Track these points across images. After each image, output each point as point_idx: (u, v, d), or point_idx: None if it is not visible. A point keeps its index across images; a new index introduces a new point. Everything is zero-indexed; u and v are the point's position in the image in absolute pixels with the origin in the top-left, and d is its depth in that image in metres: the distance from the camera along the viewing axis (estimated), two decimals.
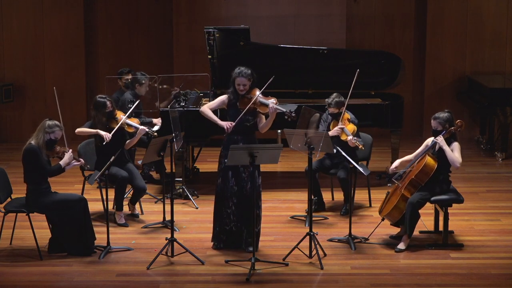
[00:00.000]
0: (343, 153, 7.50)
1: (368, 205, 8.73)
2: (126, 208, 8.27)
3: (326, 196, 8.75)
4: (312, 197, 7.87)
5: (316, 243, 7.07)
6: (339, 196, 8.69)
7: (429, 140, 7.47)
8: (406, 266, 6.99)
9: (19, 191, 7.51)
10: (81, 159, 7.38)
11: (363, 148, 7.99)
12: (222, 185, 7.26)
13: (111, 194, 8.13)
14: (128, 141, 8.12)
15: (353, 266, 6.99)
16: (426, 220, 7.91)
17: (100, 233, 7.42)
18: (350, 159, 7.37)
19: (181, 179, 9.00)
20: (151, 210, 8.57)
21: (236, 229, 7.27)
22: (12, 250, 7.37)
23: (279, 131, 10.86)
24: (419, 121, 12.33)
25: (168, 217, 7.64)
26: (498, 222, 8.24)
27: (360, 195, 8.75)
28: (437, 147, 7.36)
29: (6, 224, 7.42)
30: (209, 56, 9.54)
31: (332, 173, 8.47)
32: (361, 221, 8.22)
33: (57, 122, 7.17)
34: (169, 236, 7.15)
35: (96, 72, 12.39)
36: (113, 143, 7.86)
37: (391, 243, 7.47)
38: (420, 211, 7.36)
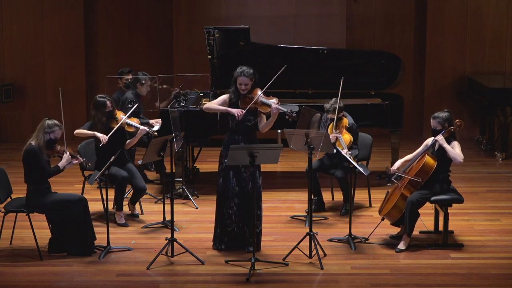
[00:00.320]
0: (343, 153, 7.50)
1: (368, 205, 8.73)
2: (126, 208, 8.27)
3: (326, 196, 8.75)
4: (312, 197, 7.87)
5: (316, 243, 7.07)
6: (339, 196, 8.69)
7: (429, 140, 7.48)
8: (406, 266, 6.99)
9: (19, 191, 7.51)
10: (79, 157, 7.34)
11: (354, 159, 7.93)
12: (223, 185, 7.25)
13: (111, 194, 8.13)
14: (128, 141, 8.12)
15: (353, 266, 6.99)
16: (426, 220, 7.91)
17: (100, 233, 7.42)
18: (350, 159, 7.37)
19: (181, 179, 9.00)
20: (151, 210, 8.57)
21: (238, 230, 7.26)
22: (12, 250, 7.37)
23: (279, 131, 10.86)
24: (419, 121, 12.33)
25: (168, 217, 7.64)
26: (498, 222, 8.24)
27: (360, 195, 8.75)
28: (436, 146, 7.36)
29: (6, 224, 7.42)
30: (209, 56, 9.54)
31: (332, 173, 8.46)
32: (361, 221, 8.22)
33: (56, 122, 7.16)
34: (169, 236, 7.15)
35: (96, 72, 12.39)
36: (113, 143, 7.87)
37: (391, 243, 7.48)
38: (420, 211, 7.36)
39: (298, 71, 9.89)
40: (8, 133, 12.22)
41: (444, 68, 12.21)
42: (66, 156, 7.16)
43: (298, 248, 7.14)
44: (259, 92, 7.11)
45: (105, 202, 7.50)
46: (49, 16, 12.01)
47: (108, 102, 7.98)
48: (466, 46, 12.14)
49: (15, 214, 7.33)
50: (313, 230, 7.15)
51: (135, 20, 12.47)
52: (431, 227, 7.85)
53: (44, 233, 7.44)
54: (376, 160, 10.16)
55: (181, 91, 9.07)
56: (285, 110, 7.01)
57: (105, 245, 7.22)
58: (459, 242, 7.55)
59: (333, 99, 8.26)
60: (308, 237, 7.11)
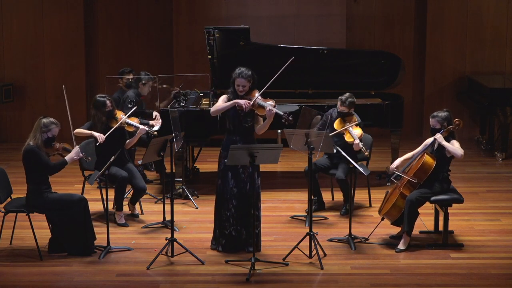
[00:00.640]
0: (343, 153, 7.50)
1: (368, 205, 8.73)
2: (126, 208, 8.27)
3: (326, 196, 8.75)
4: (312, 197, 7.87)
5: (316, 243, 7.07)
6: (339, 196, 8.69)
7: (429, 140, 7.48)
8: (406, 266, 6.99)
9: (19, 191, 7.51)
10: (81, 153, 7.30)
11: (367, 154, 7.99)
12: (222, 186, 7.25)
13: (111, 194, 8.13)
14: (128, 140, 8.12)
15: (353, 266, 6.98)
16: (426, 220, 7.91)
17: (100, 233, 7.42)
18: (350, 159, 7.37)
19: (181, 179, 9.00)
20: (151, 210, 8.57)
21: (236, 233, 7.24)
22: (12, 250, 7.37)
23: (279, 131, 10.86)
24: (419, 121, 12.34)
25: (168, 217, 7.64)
26: (498, 222, 8.24)
27: (360, 195, 8.75)
28: (436, 145, 7.36)
29: (6, 224, 7.42)
30: (209, 56, 9.54)
31: (332, 173, 8.46)
32: (361, 221, 8.22)
33: (52, 119, 7.15)
34: (169, 236, 7.15)
35: (96, 72, 12.39)
36: (113, 143, 7.86)
37: (391, 243, 7.47)
38: (420, 211, 7.36)
39: (298, 71, 9.88)
40: (8, 133, 12.22)
41: (444, 68, 12.21)
42: (75, 149, 7.12)
43: (298, 248, 7.14)
44: (257, 94, 7.10)
45: (105, 202, 7.50)
46: (49, 16, 12.01)
47: (108, 102, 7.98)
48: (466, 46, 12.14)
49: (15, 214, 7.33)
50: (313, 230, 7.15)
51: (135, 20, 12.48)
52: (431, 227, 7.85)
53: (44, 233, 7.44)
54: (376, 160, 10.16)
55: (181, 91, 9.07)
56: (281, 113, 6.96)
57: (105, 245, 7.22)
58: (459, 242, 7.55)
59: (348, 93, 8.28)
60: (308, 237, 7.11)
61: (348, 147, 8.02)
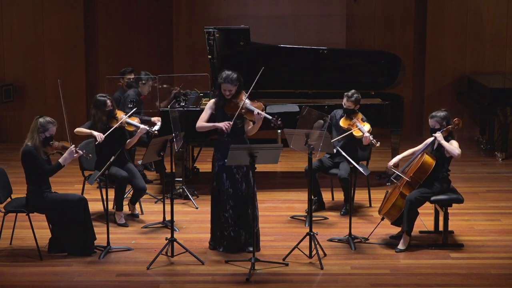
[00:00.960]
0: (343, 153, 7.50)
1: (368, 205, 8.73)
2: (126, 208, 8.27)
3: (326, 196, 8.75)
4: (312, 197, 7.87)
5: (316, 243, 7.07)
6: (339, 196, 8.69)
7: (429, 140, 7.48)
8: (406, 266, 6.99)
9: (19, 191, 7.51)
10: (79, 150, 7.24)
11: (378, 144, 7.92)
12: (217, 188, 7.25)
13: (111, 194, 8.13)
14: (128, 140, 8.12)
15: (353, 266, 6.98)
16: (426, 220, 7.91)
17: (100, 233, 7.42)
18: (350, 159, 7.37)
19: (181, 179, 9.00)
20: (151, 210, 8.57)
21: (235, 234, 7.24)
22: (12, 250, 7.37)
23: (279, 131, 10.84)
24: (419, 121, 12.33)
25: (168, 217, 7.63)
26: (498, 222, 8.24)
27: (360, 195, 8.75)
28: (435, 145, 7.37)
29: (6, 224, 7.42)
30: (209, 56, 9.54)
31: (333, 173, 8.46)
32: (361, 221, 8.22)
33: (48, 119, 7.12)
34: (169, 236, 7.15)
35: (96, 72, 12.39)
36: (113, 143, 7.86)
37: (391, 243, 7.47)
38: (420, 211, 7.36)
39: (298, 71, 9.89)
40: (8, 133, 12.22)
41: (444, 68, 12.21)
42: (69, 150, 7.06)
43: (298, 248, 7.14)
44: (244, 97, 7.14)
45: (105, 202, 7.50)
46: (49, 16, 12.01)
47: (108, 101, 7.98)
48: (466, 46, 12.14)
49: (15, 214, 7.33)
50: (313, 230, 7.15)
51: (135, 20, 12.48)
52: (431, 227, 7.85)
53: (44, 233, 7.44)
54: (376, 160, 10.16)
55: (181, 91, 9.07)
56: (270, 117, 7.03)
57: (105, 245, 7.22)
58: (459, 242, 7.54)
59: (353, 90, 8.29)
60: (308, 237, 7.11)
61: (348, 147, 8.01)
